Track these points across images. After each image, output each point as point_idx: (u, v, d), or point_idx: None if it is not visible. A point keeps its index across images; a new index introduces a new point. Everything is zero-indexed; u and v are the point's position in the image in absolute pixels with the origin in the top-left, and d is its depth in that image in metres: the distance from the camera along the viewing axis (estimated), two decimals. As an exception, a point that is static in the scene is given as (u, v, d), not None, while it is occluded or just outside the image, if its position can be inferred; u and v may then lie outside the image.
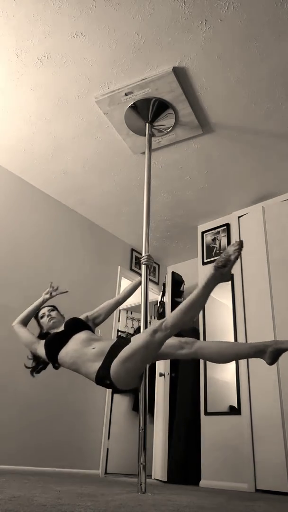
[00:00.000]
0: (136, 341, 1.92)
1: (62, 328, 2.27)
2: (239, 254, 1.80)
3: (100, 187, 3.84)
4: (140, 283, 2.52)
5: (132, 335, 2.29)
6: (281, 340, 1.88)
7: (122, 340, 2.16)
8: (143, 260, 2.45)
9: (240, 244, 1.80)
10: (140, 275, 2.52)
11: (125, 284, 4.33)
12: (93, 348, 2.04)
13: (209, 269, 1.85)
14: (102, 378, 1.95)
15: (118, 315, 4.35)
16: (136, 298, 2.57)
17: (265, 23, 2.34)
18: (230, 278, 1.88)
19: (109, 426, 4.00)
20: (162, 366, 4.11)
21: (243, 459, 3.11)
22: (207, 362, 3.53)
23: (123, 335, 4.97)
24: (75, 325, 2.23)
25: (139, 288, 2.46)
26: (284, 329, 3.08)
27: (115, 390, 2.05)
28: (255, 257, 3.55)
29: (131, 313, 5.43)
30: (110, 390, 3.99)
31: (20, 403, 3.10)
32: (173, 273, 4.50)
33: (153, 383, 4.18)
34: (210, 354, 2.00)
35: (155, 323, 1.91)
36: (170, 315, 1.89)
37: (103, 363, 1.95)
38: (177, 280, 4.50)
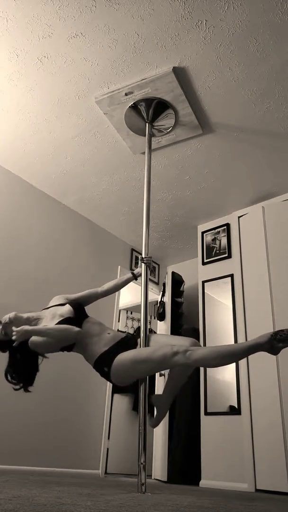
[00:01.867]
0: (155, 353, 1.88)
1: (70, 313, 2.11)
2: None
3: (100, 187, 3.84)
4: (132, 279, 2.49)
5: (132, 335, 2.28)
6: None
7: (134, 337, 2.18)
8: (145, 260, 2.44)
9: None
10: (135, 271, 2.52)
11: (125, 284, 4.32)
12: (108, 333, 2.07)
13: (263, 335, 1.73)
14: (103, 363, 1.95)
15: (118, 315, 4.34)
16: (136, 298, 2.57)
17: (265, 23, 2.34)
18: (277, 354, 1.74)
19: (109, 426, 4.00)
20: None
21: (243, 459, 3.11)
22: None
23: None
24: (84, 311, 2.20)
25: (139, 288, 2.45)
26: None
27: (108, 380, 2.01)
28: (255, 257, 3.56)
29: (131, 313, 5.43)
30: (110, 390, 4.00)
31: (20, 403, 3.10)
32: (173, 273, 4.50)
33: (153, 383, 4.18)
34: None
35: (178, 344, 1.83)
36: (201, 350, 1.80)
37: (109, 349, 1.97)
38: (177, 280, 4.50)
